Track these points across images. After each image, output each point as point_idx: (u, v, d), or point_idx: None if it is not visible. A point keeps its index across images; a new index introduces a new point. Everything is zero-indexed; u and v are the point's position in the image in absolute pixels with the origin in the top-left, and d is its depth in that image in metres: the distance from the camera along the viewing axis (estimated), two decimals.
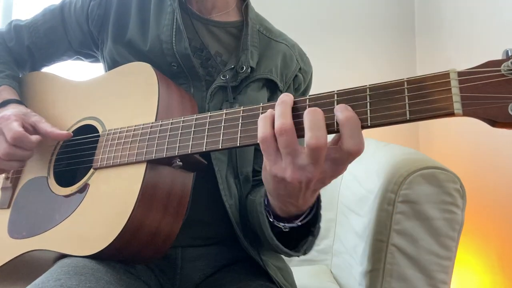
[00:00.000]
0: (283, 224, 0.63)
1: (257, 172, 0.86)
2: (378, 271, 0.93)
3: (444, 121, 1.77)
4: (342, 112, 0.49)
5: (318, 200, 0.63)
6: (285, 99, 0.53)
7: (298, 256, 0.71)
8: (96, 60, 0.95)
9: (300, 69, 0.91)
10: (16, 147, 0.74)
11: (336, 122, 0.50)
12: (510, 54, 0.44)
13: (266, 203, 0.66)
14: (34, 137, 0.75)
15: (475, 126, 1.52)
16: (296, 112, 0.53)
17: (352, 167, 1.33)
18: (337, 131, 0.50)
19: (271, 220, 0.64)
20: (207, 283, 0.80)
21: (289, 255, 0.69)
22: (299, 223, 0.62)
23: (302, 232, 0.66)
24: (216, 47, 0.85)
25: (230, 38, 0.87)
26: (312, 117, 0.50)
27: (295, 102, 0.53)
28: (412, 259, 0.90)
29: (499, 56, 0.45)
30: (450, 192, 0.88)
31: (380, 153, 1.13)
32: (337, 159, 0.50)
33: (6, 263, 0.73)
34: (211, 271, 0.81)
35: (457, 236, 0.91)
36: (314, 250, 1.41)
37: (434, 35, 1.87)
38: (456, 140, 1.67)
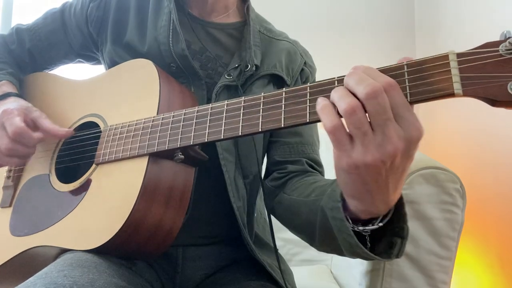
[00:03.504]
0: (362, 228, 0.56)
1: (280, 163, 0.84)
2: (378, 271, 0.93)
3: (444, 121, 1.77)
4: (356, 69, 0.49)
5: (400, 198, 0.56)
6: (339, 86, 0.49)
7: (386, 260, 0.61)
8: (98, 62, 0.95)
9: (305, 63, 0.91)
10: (17, 142, 0.74)
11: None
12: (507, 36, 0.44)
13: (342, 208, 0.57)
14: (36, 134, 0.75)
15: (476, 126, 1.53)
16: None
17: None
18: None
19: (353, 227, 0.56)
20: (207, 282, 0.80)
21: (373, 259, 0.60)
22: (380, 224, 0.55)
23: (376, 233, 0.59)
24: (215, 50, 0.85)
25: (230, 39, 0.87)
26: (352, 76, 0.47)
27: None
28: (412, 259, 0.90)
29: None
30: (450, 192, 0.89)
31: None
32: (394, 108, 0.45)
33: (9, 260, 0.73)
34: (212, 270, 0.81)
35: (457, 236, 0.91)
36: (314, 250, 1.41)
37: (434, 35, 1.87)
38: (456, 140, 1.67)
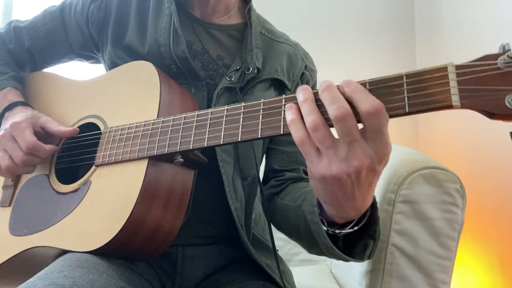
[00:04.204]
0: (338, 231, 0.59)
1: (277, 171, 0.86)
2: (378, 271, 0.93)
3: (444, 121, 1.77)
4: (346, 85, 0.50)
5: (373, 203, 0.59)
6: (307, 96, 0.52)
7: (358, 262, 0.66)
8: (97, 61, 0.95)
9: (305, 66, 0.91)
10: (32, 155, 0.75)
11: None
12: (506, 48, 0.44)
13: (318, 212, 0.62)
14: (49, 146, 0.76)
15: (476, 126, 1.53)
16: (317, 103, 0.52)
17: None
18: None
19: (327, 229, 0.60)
20: (207, 282, 0.80)
21: (346, 260, 0.64)
22: (356, 228, 0.58)
23: (353, 236, 0.62)
24: (217, 51, 0.85)
25: (231, 41, 0.87)
26: (329, 92, 0.49)
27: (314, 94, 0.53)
28: (412, 259, 0.90)
29: None
30: (450, 192, 0.89)
31: None
32: (368, 131, 0.48)
33: (7, 260, 0.73)
34: (212, 270, 0.81)
35: (457, 236, 0.91)
36: None
37: (434, 34, 1.87)
38: (456, 140, 1.67)
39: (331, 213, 0.57)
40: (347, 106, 0.48)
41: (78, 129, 0.79)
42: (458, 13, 1.69)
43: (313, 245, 0.67)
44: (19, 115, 0.78)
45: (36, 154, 0.75)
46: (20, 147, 0.75)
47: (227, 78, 0.80)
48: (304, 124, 0.50)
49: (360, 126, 0.49)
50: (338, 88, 0.50)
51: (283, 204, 0.80)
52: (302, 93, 0.52)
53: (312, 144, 0.50)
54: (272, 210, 0.83)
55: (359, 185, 0.50)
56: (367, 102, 0.47)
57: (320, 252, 0.68)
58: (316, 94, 0.52)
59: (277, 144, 0.87)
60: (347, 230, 0.58)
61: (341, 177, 0.49)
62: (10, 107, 0.81)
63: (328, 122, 0.50)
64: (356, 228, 0.57)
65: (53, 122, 0.78)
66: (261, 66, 0.83)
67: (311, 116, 0.50)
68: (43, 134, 0.78)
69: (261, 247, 0.84)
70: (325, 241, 0.60)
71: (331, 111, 0.48)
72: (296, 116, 0.51)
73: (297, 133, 0.51)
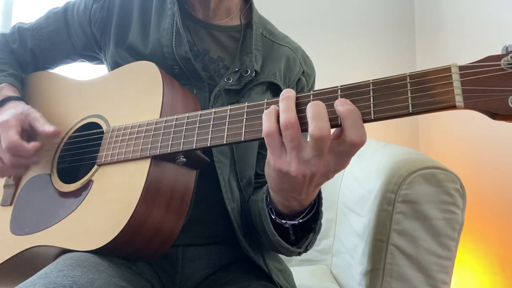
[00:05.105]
0: (284, 221, 0.64)
1: (259, 175, 0.87)
2: (378, 271, 0.93)
3: (444, 121, 1.77)
4: (342, 105, 0.51)
5: (319, 197, 0.65)
6: (288, 94, 0.54)
7: (299, 254, 0.72)
8: (100, 62, 0.95)
9: (303, 72, 0.91)
10: (15, 155, 0.74)
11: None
12: (509, 50, 0.45)
13: (268, 199, 0.67)
14: (31, 145, 0.74)
15: (476, 126, 1.53)
16: (299, 107, 0.54)
17: (352, 167, 1.35)
18: (340, 125, 0.51)
19: (273, 217, 0.66)
20: (207, 282, 0.80)
21: (290, 252, 0.70)
22: (300, 220, 0.63)
23: (302, 229, 0.68)
24: (218, 52, 0.85)
25: (232, 42, 0.87)
26: (315, 108, 0.51)
27: (298, 98, 0.55)
28: (412, 259, 0.90)
29: None
30: (450, 192, 0.88)
31: (380, 153, 1.13)
32: (341, 152, 0.51)
33: (8, 259, 0.73)
34: (212, 270, 0.82)
35: (457, 236, 0.91)
36: (314, 250, 1.41)
37: (434, 34, 1.87)
38: (456, 140, 1.67)
39: (276, 199, 0.62)
40: (328, 130, 0.50)
41: (59, 130, 0.77)
42: (459, 13, 1.69)
43: (266, 236, 0.70)
44: (8, 112, 0.77)
45: (18, 155, 0.74)
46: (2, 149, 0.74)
47: (225, 80, 0.80)
48: (278, 119, 0.53)
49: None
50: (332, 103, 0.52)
51: (249, 201, 0.83)
52: (285, 92, 0.55)
53: (279, 138, 0.53)
54: (245, 211, 0.84)
55: (309, 185, 0.55)
56: (357, 134, 0.49)
57: (272, 246, 0.73)
58: (299, 98, 0.55)
59: (263, 149, 0.88)
60: (293, 222, 0.64)
61: (296, 176, 0.53)
62: (3, 102, 0.80)
63: (303, 127, 0.52)
64: (301, 221, 0.64)
65: (40, 120, 0.77)
66: (259, 69, 0.84)
67: (286, 114, 0.52)
68: (30, 132, 0.77)
69: (260, 246, 0.85)
70: (268, 226, 0.66)
71: (311, 129, 0.50)
72: (273, 110, 0.54)
73: (267, 123, 0.53)
